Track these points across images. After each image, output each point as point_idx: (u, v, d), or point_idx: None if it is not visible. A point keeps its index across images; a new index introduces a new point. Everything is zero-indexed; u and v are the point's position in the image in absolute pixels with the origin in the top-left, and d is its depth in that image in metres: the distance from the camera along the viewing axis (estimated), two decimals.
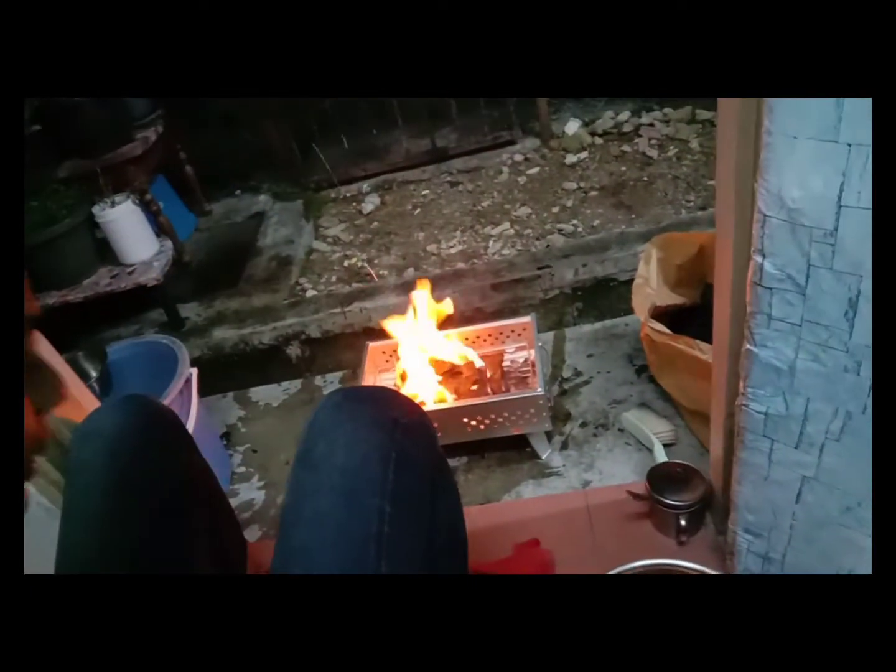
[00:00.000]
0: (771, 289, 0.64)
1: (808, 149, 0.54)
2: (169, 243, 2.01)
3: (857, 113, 0.50)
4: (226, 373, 1.85)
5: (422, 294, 1.42)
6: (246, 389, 1.77)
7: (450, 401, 1.33)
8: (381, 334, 1.68)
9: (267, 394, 1.73)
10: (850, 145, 0.52)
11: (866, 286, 0.57)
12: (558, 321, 1.74)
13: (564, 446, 1.36)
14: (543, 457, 1.33)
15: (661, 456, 1.22)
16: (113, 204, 1.86)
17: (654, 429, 1.28)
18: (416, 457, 0.71)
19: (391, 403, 0.75)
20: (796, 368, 0.68)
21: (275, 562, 0.65)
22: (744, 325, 0.70)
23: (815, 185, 0.55)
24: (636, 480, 1.23)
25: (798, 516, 0.82)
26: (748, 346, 0.70)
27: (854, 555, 0.79)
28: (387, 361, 1.49)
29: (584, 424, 1.39)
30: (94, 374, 1.37)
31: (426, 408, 1.32)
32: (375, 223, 2.26)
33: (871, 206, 0.53)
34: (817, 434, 0.71)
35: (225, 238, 2.36)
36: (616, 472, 1.27)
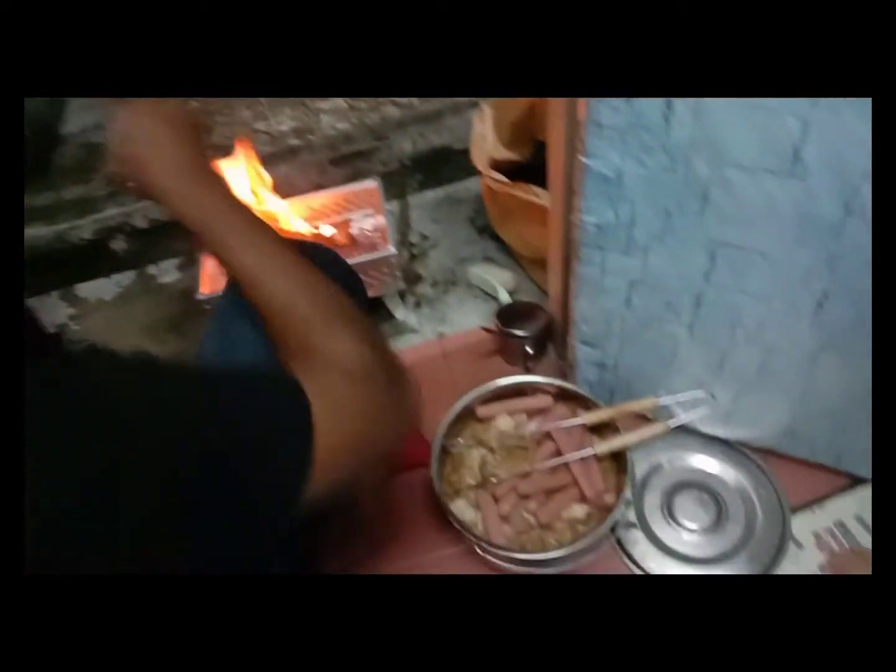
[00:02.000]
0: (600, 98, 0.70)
1: None
2: None
3: None
4: (44, 273, 1.69)
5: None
6: (71, 287, 1.63)
7: None
8: None
9: (97, 289, 1.61)
10: None
11: None
12: (400, 193, 1.76)
13: (418, 305, 1.41)
14: (399, 317, 1.38)
15: (506, 300, 1.32)
16: None
17: (498, 278, 1.37)
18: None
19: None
20: (623, 174, 0.76)
21: None
22: (576, 139, 0.76)
23: None
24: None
25: (627, 320, 0.93)
26: (580, 157, 0.76)
27: (671, 344, 0.93)
28: None
29: (434, 284, 1.45)
30: None
31: None
32: (194, 103, 2.09)
33: None
34: (642, 237, 0.81)
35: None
36: (467, 321, 1.35)
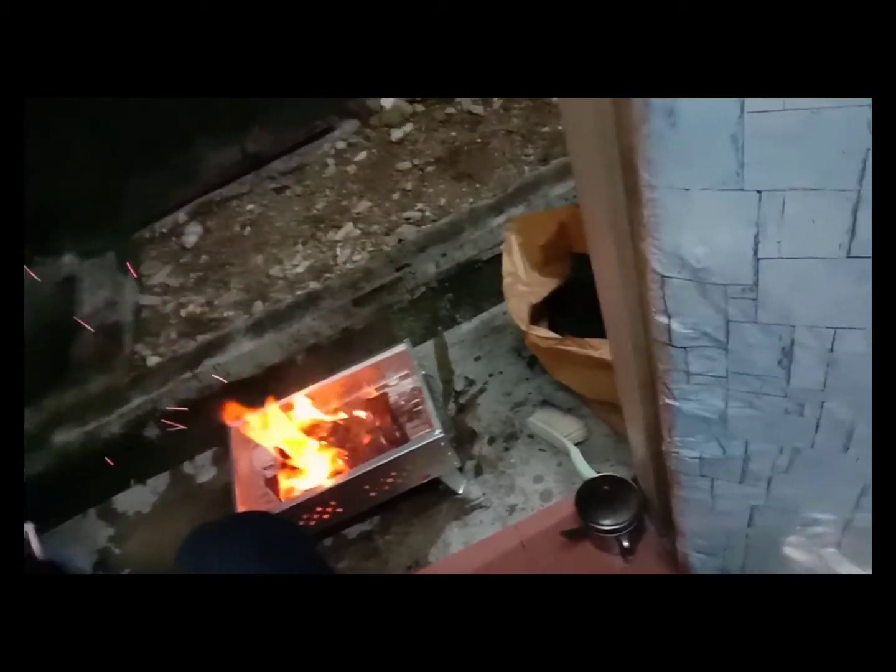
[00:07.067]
0: (685, 348, 0.52)
1: (705, 201, 0.41)
2: None
3: (762, 155, 0.38)
4: (82, 483, 1.58)
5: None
6: (109, 500, 1.52)
7: (342, 463, 1.17)
8: (243, 389, 1.50)
9: (134, 500, 1.49)
10: (760, 192, 0.39)
11: (800, 334, 0.47)
12: (433, 318, 1.60)
13: (479, 471, 1.24)
14: (460, 491, 1.21)
15: (578, 460, 1.13)
16: None
17: (563, 430, 1.19)
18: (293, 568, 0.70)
19: (258, 527, 0.75)
20: (728, 416, 0.58)
21: None
22: (658, 381, 0.58)
23: (722, 239, 0.43)
24: (561, 491, 1.14)
25: (752, 536, 0.74)
26: (668, 400, 0.59)
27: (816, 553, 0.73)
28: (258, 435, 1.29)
29: (492, 440, 1.28)
30: None
31: (319, 481, 1.15)
32: (204, 256, 2.00)
33: (793, 256, 0.41)
34: (762, 470, 0.62)
35: (35, 320, 2.01)
36: (539, 488, 1.17)
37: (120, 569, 1.37)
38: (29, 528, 1.13)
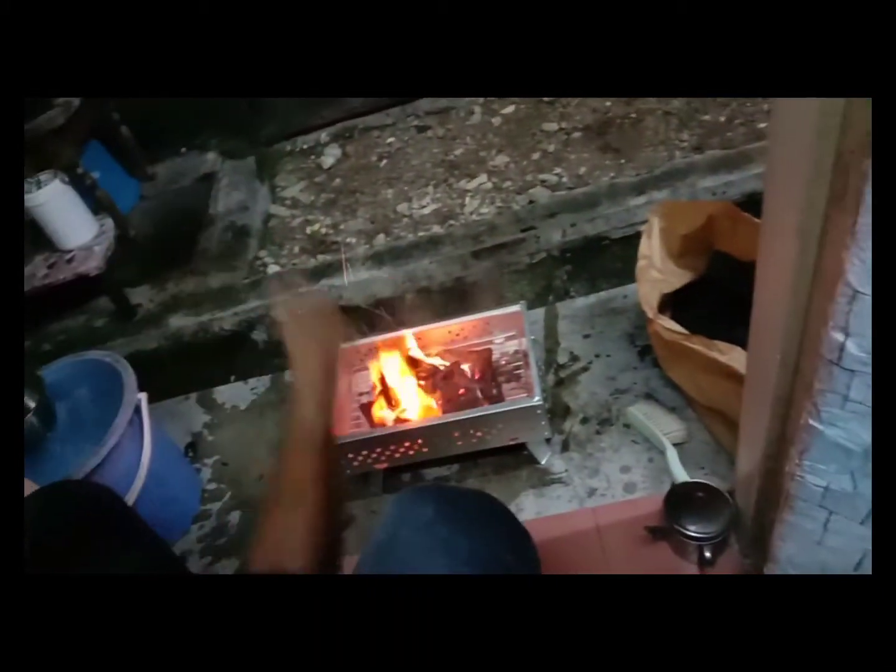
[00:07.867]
0: (853, 371, 0.49)
1: None
2: (110, 222, 1.81)
3: None
4: (187, 368, 1.69)
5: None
6: (210, 389, 1.61)
7: (435, 406, 1.19)
8: (353, 314, 1.54)
9: (233, 394, 1.57)
10: None
11: None
12: (547, 286, 1.58)
13: (565, 447, 1.23)
14: (542, 462, 1.21)
15: (674, 461, 1.10)
16: (39, 185, 1.63)
17: (664, 427, 1.16)
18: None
19: (496, 528, 0.68)
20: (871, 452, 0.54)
21: None
22: (804, 399, 0.55)
23: None
24: (647, 487, 1.12)
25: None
26: (812, 421, 0.55)
27: None
28: (361, 360, 1.33)
29: (585, 420, 1.26)
30: (32, 404, 1.20)
31: (412, 419, 1.18)
32: (338, 180, 2.04)
33: None
34: None
35: (173, 206, 2.13)
36: (624, 478, 1.15)
37: (209, 455, 1.45)
38: (142, 396, 1.21)
